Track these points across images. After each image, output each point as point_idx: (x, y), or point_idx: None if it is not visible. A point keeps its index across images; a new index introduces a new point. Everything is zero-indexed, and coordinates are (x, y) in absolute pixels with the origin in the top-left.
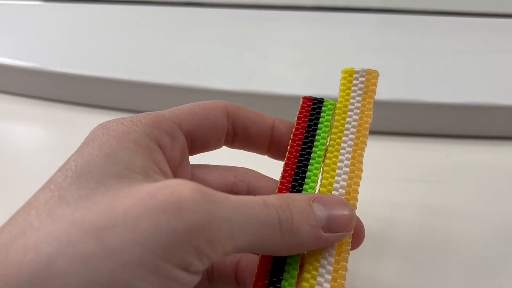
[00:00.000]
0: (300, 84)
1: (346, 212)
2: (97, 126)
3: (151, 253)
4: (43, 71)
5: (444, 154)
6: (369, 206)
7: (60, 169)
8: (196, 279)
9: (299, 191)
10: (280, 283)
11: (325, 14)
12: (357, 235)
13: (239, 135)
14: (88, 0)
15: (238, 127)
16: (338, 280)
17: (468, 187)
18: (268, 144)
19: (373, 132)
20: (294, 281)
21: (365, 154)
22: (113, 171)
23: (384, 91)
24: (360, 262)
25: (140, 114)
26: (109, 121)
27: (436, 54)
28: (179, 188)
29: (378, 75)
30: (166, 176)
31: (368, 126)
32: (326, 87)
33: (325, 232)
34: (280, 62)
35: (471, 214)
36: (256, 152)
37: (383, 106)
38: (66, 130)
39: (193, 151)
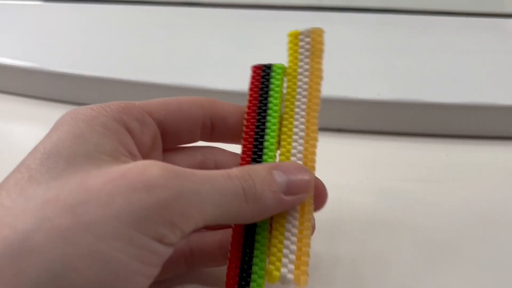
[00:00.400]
0: None
1: (304, 177)
2: (66, 112)
3: (126, 225)
4: (43, 71)
5: (444, 154)
6: (369, 206)
7: (30, 153)
8: (170, 250)
9: (260, 162)
10: (253, 252)
11: (325, 14)
12: (319, 195)
13: (218, 127)
14: (88, 0)
15: (216, 119)
16: (304, 240)
17: (468, 187)
18: None
19: (373, 132)
20: (265, 248)
21: (363, 152)
22: (81, 152)
23: (384, 91)
24: (360, 262)
25: (111, 102)
26: (78, 107)
27: (436, 54)
28: (147, 167)
29: (323, 32)
30: (134, 159)
31: (319, 87)
32: (326, 87)
33: (286, 195)
34: (280, 62)
35: (471, 214)
36: (237, 143)
37: (383, 106)
38: None
39: (167, 143)
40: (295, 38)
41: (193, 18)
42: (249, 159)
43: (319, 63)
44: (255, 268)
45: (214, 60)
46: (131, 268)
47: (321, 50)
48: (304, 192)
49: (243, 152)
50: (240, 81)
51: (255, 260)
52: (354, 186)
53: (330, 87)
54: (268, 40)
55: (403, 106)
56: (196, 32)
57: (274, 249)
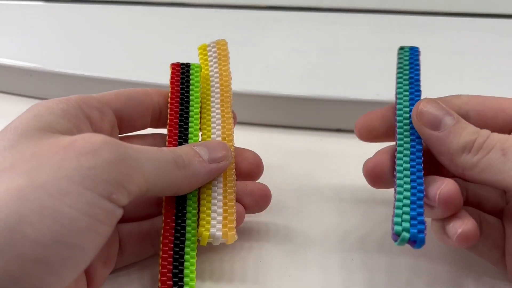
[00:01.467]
0: (299, 84)
1: (222, 147)
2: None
3: (76, 184)
4: (43, 72)
5: None
6: (370, 206)
7: None
8: (119, 211)
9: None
10: (185, 216)
11: (325, 15)
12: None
13: (164, 113)
14: (88, 0)
15: (162, 106)
16: (229, 204)
17: None
18: None
19: None
20: (195, 211)
21: (363, 152)
22: (35, 126)
23: (384, 91)
24: (358, 262)
25: (73, 95)
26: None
27: (436, 54)
28: (92, 137)
29: (226, 43)
30: None
31: (228, 83)
32: (326, 87)
33: (210, 163)
34: (279, 63)
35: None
36: None
37: (382, 106)
38: None
39: (123, 129)
40: (204, 50)
41: (192, 19)
42: (176, 143)
43: (226, 65)
44: (188, 235)
45: None
46: (82, 223)
47: (226, 56)
48: (224, 159)
49: (169, 136)
50: (239, 82)
51: (187, 228)
52: (354, 186)
53: (330, 88)
54: (268, 41)
55: None
56: (197, 33)
57: (203, 215)
